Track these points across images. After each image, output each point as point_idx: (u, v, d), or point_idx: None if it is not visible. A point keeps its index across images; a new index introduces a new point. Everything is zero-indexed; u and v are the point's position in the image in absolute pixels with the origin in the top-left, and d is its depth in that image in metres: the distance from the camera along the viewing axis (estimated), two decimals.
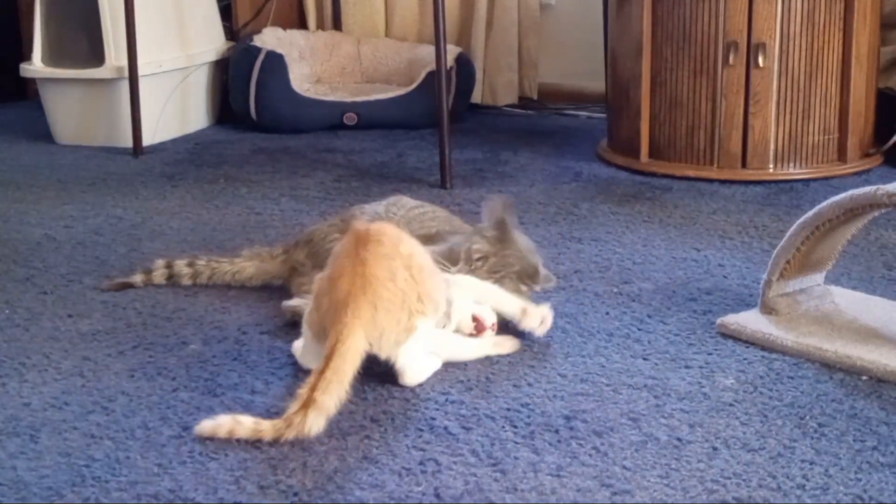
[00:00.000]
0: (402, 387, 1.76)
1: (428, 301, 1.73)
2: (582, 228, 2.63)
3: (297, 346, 1.85)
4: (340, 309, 1.64)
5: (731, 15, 2.99)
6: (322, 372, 1.59)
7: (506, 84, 4.15)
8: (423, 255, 1.77)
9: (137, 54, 3.40)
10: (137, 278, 2.26)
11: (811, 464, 1.53)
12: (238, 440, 1.58)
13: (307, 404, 1.56)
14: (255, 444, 1.58)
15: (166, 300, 2.19)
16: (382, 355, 1.71)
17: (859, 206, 1.90)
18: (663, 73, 3.11)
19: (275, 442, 1.57)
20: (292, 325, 2.00)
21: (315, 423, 1.56)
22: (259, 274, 2.22)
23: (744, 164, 3.06)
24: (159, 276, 2.26)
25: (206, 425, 1.60)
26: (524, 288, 1.99)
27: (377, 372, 1.75)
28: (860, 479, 1.49)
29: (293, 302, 2.04)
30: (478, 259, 1.95)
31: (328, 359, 1.60)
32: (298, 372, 1.84)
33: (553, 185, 3.05)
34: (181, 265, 2.26)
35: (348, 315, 1.63)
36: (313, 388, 1.57)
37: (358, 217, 2.07)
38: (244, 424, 1.58)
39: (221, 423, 1.59)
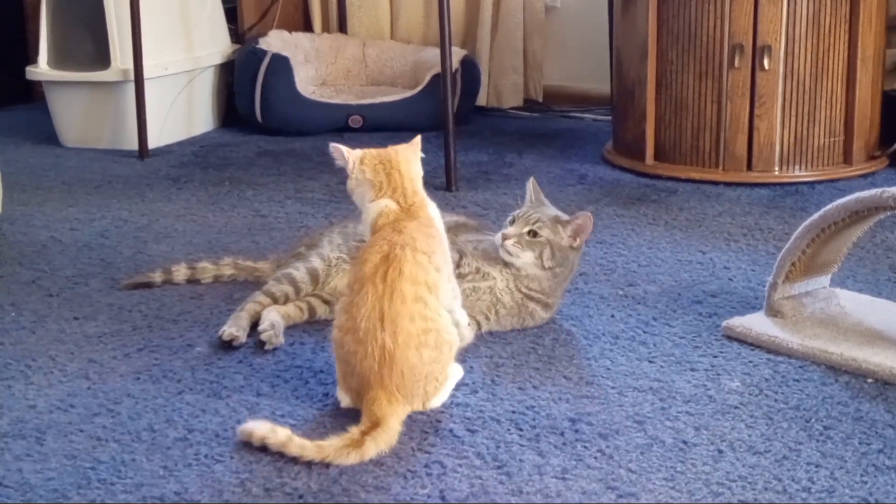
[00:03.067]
0: None
1: (450, 359, 1.74)
2: None
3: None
4: (372, 402, 1.63)
5: (737, 17, 2.99)
6: (373, 430, 1.58)
7: (511, 86, 4.15)
8: (435, 273, 1.74)
9: (143, 57, 3.41)
10: (157, 277, 2.30)
11: (817, 467, 1.53)
12: (247, 444, 1.59)
13: (358, 444, 1.55)
14: (260, 447, 1.58)
15: (172, 303, 2.19)
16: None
17: (865, 208, 1.90)
18: (668, 75, 3.11)
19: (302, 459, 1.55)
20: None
21: (350, 463, 1.55)
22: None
23: (749, 167, 3.06)
24: (181, 275, 2.30)
25: (251, 428, 1.58)
26: (560, 228, 2.02)
27: None
28: (866, 482, 1.49)
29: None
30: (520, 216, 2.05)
31: (376, 425, 1.59)
32: (304, 374, 1.84)
33: (558, 187, 3.05)
34: (206, 264, 2.32)
35: (384, 410, 1.62)
36: (365, 434, 1.56)
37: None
38: (294, 441, 1.55)
39: (277, 433, 1.56)
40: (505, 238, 2.01)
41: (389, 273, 1.66)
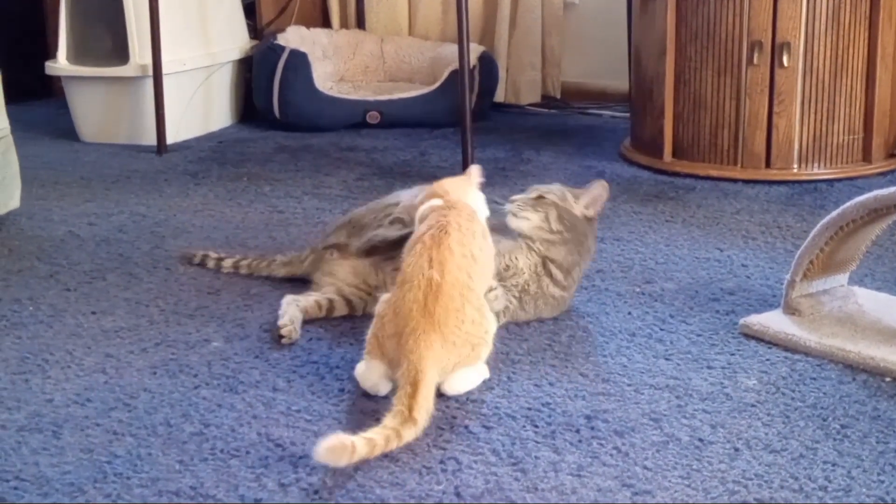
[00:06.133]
0: None
1: (489, 333, 1.76)
2: (604, 228, 2.63)
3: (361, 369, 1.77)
4: (412, 340, 1.64)
5: (756, 14, 2.98)
6: (414, 397, 1.57)
7: (529, 83, 4.15)
8: (484, 258, 1.79)
9: (161, 53, 3.42)
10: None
11: (833, 465, 1.53)
12: (267, 440, 1.59)
13: (410, 420, 1.55)
14: (277, 442, 1.59)
15: (189, 298, 2.20)
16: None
17: (883, 206, 1.89)
18: (687, 72, 3.10)
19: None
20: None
21: (409, 440, 1.55)
22: (288, 275, 2.28)
23: (768, 164, 3.05)
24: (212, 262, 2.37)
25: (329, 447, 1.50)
26: (569, 195, 2.07)
27: None
28: (883, 482, 1.48)
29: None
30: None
31: (415, 386, 1.59)
32: (321, 370, 1.84)
33: (576, 184, 3.01)
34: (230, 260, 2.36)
35: (421, 347, 1.63)
36: (411, 409, 1.56)
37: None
38: (376, 444, 1.51)
39: (357, 447, 1.50)
40: (511, 201, 2.01)
41: (437, 234, 1.73)
